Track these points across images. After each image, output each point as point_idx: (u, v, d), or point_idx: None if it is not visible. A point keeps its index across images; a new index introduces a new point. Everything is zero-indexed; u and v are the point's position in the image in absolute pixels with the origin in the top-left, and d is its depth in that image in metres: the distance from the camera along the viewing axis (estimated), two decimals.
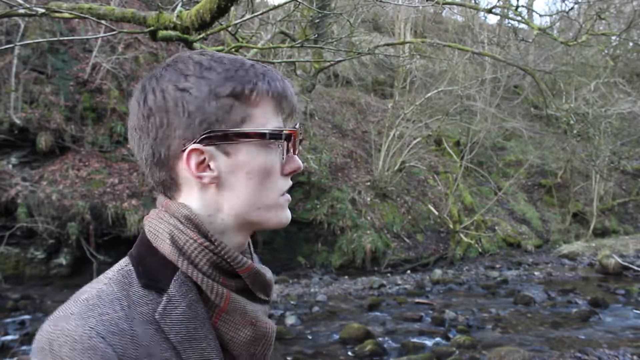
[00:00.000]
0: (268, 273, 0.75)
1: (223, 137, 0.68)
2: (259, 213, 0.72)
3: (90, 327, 0.59)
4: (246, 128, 0.69)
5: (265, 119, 0.71)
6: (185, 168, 0.69)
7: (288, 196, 0.75)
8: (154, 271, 0.68)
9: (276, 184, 0.72)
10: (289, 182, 0.75)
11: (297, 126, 0.75)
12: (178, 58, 0.72)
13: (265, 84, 0.71)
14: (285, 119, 0.74)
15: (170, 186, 0.72)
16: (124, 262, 0.70)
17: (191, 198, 0.71)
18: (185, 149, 0.68)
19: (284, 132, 0.72)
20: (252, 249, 0.80)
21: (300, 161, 0.75)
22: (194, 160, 0.68)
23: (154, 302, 0.65)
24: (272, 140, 0.71)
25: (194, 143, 0.68)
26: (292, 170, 0.74)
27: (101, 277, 0.68)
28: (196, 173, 0.69)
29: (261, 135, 0.70)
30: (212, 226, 0.70)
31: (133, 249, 0.72)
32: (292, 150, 0.74)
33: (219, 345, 0.68)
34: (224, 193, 0.70)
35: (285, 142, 0.72)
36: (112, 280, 0.66)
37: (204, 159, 0.69)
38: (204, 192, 0.70)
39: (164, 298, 0.66)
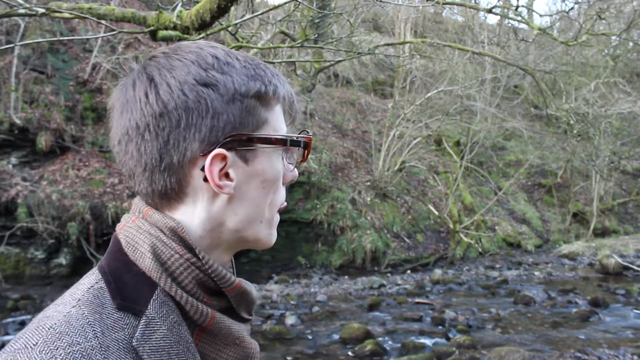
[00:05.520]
0: (254, 290, 0.68)
1: (246, 142, 0.62)
2: (257, 229, 0.66)
3: None
4: (264, 133, 0.64)
5: (279, 124, 0.66)
6: (205, 175, 0.61)
7: (278, 216, 0.70)
8: (130, 289, 0.58)
9: (279, 196, 0.68)
10: (284, 193, 0.70)
11: (310, 134, 0.70)
12: (184, 47, 0.63)
13: (282, 86, 0.66)
14: (289, 125, 0.69)
15: (172, 196, 0.62)
16: (94, 279, 0.60)
17: (195, 209, 0.63)
18: (207, 154, 0.60)
19: (303, 139, 0.67)
20: (234, 265, 0.74)
21: (296, 171, 0.71)
22: (217, 168, 0.60)
23: (131, 327, 0.56)
24: (292, 148, 0.67)
25: (218, 147, 0.60)
26: (290, 179, 0.70)
27: (67, 297, 0.59)
28: (217, 182, 0.61)
29: (283, 142, 0.65)
30: (201, 241, 0.63)
31: (103, 262, 0.62)
32: (301, 159, 0.71)
33: None
34: (234, 205, 0.63)
35: (303, 150, 0.69)
36: (82, 301, 0.56)
37: (224, 165, 0.61)
38: (211, 204, 0.63)
39: (142, 321, 0.57)
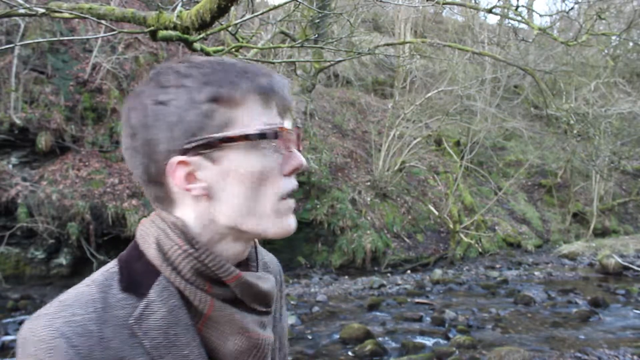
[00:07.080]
0: (266, 283, 0.72)
1: (207, 145, 0.65)
2: (253, 222, 0.69)
3: (55, 328, 0.60)
4: (229, 132, 0.66)
5: (250, 118, 0.67)
6: (173, 182, 0.67)
7: (291, 202, 0.71)
8: (138, 275, 0.67)
9: (274, 187, 0.69)
10: (292, 182, 0.71)
11: (291, 122, 0.72)
12: (160, 69, 0.69)
13: (246, 81, 0.67)
14: (281, 115, 0.70)
15: (165, 201, 0.70)
16: (112, 264, 0.69)
17: (186, 211, 0.69)
18: (169, 163, 0.66)
19: (272, 129, 0.67)
20: (259, 256, 0.78)
21: (301, 157, 0.71)
22: (181, 173, 0.66)
23: (131, 307, 0.64)
24: (260, 141, 0.67)
25: (177, 155, 0.65)
26: (292, 168, 0.70)
27: (89, 277, 0.68)
28: (185, 185, 0.66)
29: (245, 137, 0.66)
30: (203, 235, 0.68)
31: (124, 252, 0.71)
32: (292, 147, 0.71)
33: (204, 353, 0.66)
34: (215, 203, 0.68)
35: (278, 140, 0.68)
36: (95, 281, 0.66)
37: (191, 170, 0.66)
38: (196, 204, 0.68)
39: (143, 303, 0.64)
